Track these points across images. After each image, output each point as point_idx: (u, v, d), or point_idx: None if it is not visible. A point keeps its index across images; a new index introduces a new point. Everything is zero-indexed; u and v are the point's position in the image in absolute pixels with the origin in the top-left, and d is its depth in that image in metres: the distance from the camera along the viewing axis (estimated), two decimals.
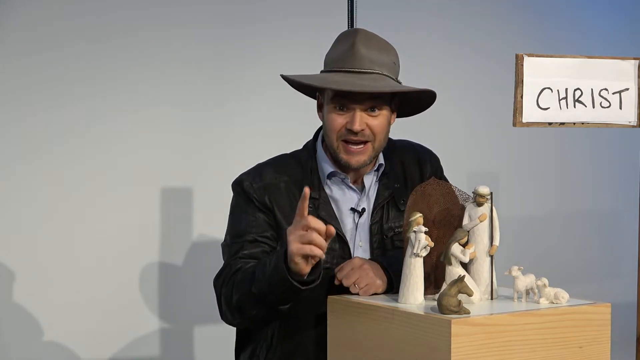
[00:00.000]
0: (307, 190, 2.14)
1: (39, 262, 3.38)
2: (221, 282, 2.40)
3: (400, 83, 2.45)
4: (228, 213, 2.52)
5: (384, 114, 2.41)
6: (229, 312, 2.38)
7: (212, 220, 3.52)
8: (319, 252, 2.13)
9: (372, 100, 2.38)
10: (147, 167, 3.54)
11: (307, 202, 2.15)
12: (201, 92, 3.64)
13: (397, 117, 2.51)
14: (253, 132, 3.73)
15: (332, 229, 2.14)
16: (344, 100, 2.37)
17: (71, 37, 3.43)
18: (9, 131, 3.36)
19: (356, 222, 2.47)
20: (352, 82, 2.35)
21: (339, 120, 2.39)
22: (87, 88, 3.46)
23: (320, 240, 2.12)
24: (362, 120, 2.37)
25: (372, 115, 2.39)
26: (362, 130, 2.38)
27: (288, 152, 2.58)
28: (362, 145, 2.40)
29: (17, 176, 3.37)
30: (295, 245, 2.13)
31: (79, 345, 3.44)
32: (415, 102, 2.49)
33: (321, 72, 2.46)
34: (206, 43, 3.65)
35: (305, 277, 2.19)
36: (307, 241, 2.12)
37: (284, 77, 2.46)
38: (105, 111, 3.49)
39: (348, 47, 2.39)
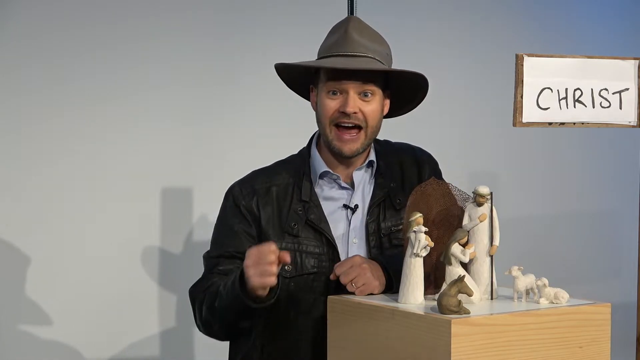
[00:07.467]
0: (286, 257, 2.23)
1: (39, 263, 3.38)
2: (194, 294, 2.46)
3: None
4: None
5: (377, 100, 2.41)
6: (201, 324, 2.45)
7: (212, 220, 3.51)
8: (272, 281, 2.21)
9: (366, 84, 2.38)
10: (147, 167, 3.54)
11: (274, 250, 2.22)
12: (201, 92, 3.64)
13: (393, 116, 2.52)
14: (253, 132, 3.72)
15: (287, 258, 2.22)
16: (338, 83, 2.38)
17: (72, 38, 3.43)
18: (10, 131, 3.36)
19: (349, 218, 2.47)
20: (345, 62, 2.36)
21: (331, 104, 2.40)
22: (87, 88, 3.46)
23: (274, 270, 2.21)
24: (355, 103, 2.38)
25: (365, 100, 2.40)
26: (355, 113, 2.39)
27: (284, 157, 2.59)
28: (354, 133, 2.41)
29: (17, 176, 3.36)
30: (256, 280, 2.20)
31: (79, 345, 3.44)
32: (408, 92, 2.49)
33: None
34: (206, 44, 3.65)
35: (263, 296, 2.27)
36: (267, 274, 2.20)
37: (278, 67, 2.47)
38: (105, 111, 3.49)
39: (341, 33, 2.43)
